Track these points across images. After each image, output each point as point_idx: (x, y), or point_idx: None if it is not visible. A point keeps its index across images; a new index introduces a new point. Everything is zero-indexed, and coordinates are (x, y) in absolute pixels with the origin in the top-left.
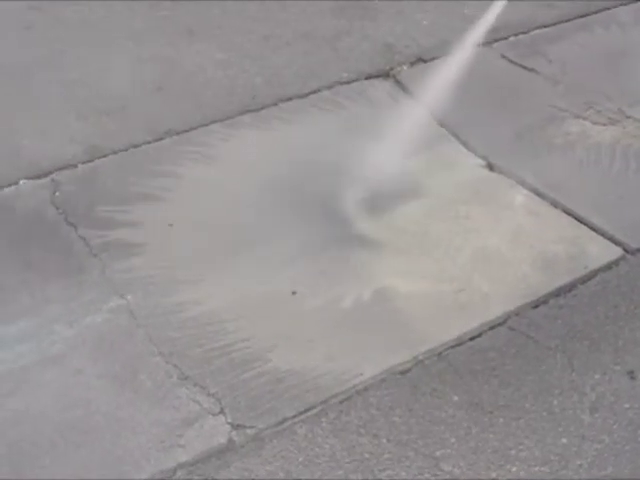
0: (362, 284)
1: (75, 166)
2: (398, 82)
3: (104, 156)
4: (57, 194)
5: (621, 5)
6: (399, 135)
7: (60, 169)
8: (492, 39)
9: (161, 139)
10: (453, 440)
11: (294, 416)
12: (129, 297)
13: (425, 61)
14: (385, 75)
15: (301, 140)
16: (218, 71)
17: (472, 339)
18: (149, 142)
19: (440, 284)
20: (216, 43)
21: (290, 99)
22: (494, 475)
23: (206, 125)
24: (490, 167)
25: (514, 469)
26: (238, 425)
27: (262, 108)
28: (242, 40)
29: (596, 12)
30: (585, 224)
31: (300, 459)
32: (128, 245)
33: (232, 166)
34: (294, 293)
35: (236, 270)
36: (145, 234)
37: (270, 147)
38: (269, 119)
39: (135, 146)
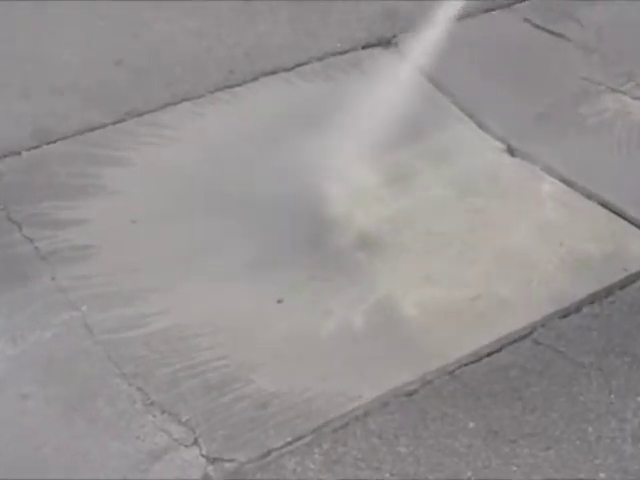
0: (360, 291)
1: (19, 153)
2: (401, 52)
3: (54, 141)
4: None
5: None
6: (402, 113)
7: (2, 157)
8: (513, 0)
9: (121, 121)
10: (469, 474)
11: (281, 447)
12: (84, 308)
13: (433, 27)
14: (386, 44)
15: (285, 120)
16: (189, 41)
17: (490, 355)
18: (107, 124)
19: (452, 290)
20: (186, 9)
21: (274, 73)
22: None
23: (175, 104)
24: (511, 151)
25: None
26: (215, 458)
27: (241, 83)
28: (218, 5)
29: None
30: (624, 218)
31: None
32: (82, 247)
33: (204, 151)
34: (280, 302)
35: (211, 275)
36: (102, 233)
37: (250, 128)
38: (249, 96)
39: (91, 129)
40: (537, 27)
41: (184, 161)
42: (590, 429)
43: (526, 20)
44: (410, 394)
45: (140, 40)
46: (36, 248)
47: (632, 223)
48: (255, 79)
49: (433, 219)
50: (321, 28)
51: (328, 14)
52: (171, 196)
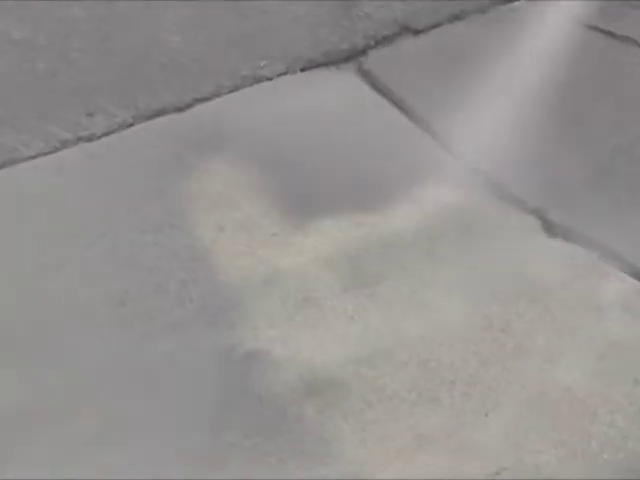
0: (309, 467)
1: None
2: (366, 73)
3: None
4: None
5: None
6: (371, 171)
7: None
8: None
9: None
10: None
11: None
12: None
13: (415, 32)
14: (342, 61)
15: (172, 187)
16: (17, 62)
17: None
18: None
19: (460, 460)
20: (15, 15)
21: (160, 114)
22: None
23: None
24: (549, 230)
25: None
26: None
27: (109, 132)
28: (63, 6)
29: None
30: None
31: None
32: None
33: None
34: None
35: (50, 448)
36: None
37: (109, 211)
38: (114, 151)
39: None
40: (589, 28)
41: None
42: None
43: (573, 18)
44: None
45: None
46: None
47: None
48: (128, 125)
49: (428, 344)
50: (236, 39)
51: (246, 17)
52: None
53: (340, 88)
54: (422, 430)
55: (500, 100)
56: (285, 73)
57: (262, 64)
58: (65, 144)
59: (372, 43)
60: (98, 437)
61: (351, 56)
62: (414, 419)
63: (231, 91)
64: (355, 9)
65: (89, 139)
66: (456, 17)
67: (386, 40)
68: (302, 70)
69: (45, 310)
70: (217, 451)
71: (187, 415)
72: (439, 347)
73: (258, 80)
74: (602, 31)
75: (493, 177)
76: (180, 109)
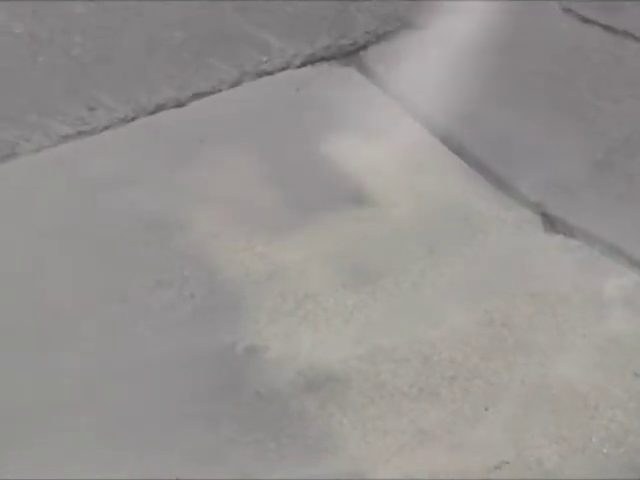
0: (311, 461)
1: None
2: (367, 69)
3: None
4: None
5: None
6: (371, 165)
7: None
8: None
9: None
10: None
11: None
12: None
13: (416, 27)
14: (341, 56)
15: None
16: (18, 57)
17: None
18: None
19: (461, 454)
20: (16, 9)
21: (162, 108)
22: None
23: None
24: (549, 224)
25: None
26: None
27: (109, 127)
28: (64, 1)
29: None
30: None
31: None
32: None
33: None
34: None
35: (45, 451)
36: None
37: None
38: (115, 146)
39: None
40: (585, 21)
41: None
42: None
43: (567, 11)
44: None
45: None
46: None
47: None
48: (129, 120)
49: (428, 340)
50: (233, 33)
51: (243, 10)
52: None
53: (341, 83)
54: (423, 425)
55: (501, 94)
56: (286, 68)
57: (264, 59)
58: (66, 139)
59: (373, 38)
60: (96, 435)
61: (352, 51)
62: (415, 414)
63: (232, 86)
64: (356, 4)
65: (90, 134)
66: (457, 11)
67: (387, 35)
68: (303, 65)
69: (43, 308)
70: (217, 447)
71: (187, 410)
72: (440, 342)
73: (259, 75)
74: (601, 25)
75: (493, 171)
76: (181, 104)
